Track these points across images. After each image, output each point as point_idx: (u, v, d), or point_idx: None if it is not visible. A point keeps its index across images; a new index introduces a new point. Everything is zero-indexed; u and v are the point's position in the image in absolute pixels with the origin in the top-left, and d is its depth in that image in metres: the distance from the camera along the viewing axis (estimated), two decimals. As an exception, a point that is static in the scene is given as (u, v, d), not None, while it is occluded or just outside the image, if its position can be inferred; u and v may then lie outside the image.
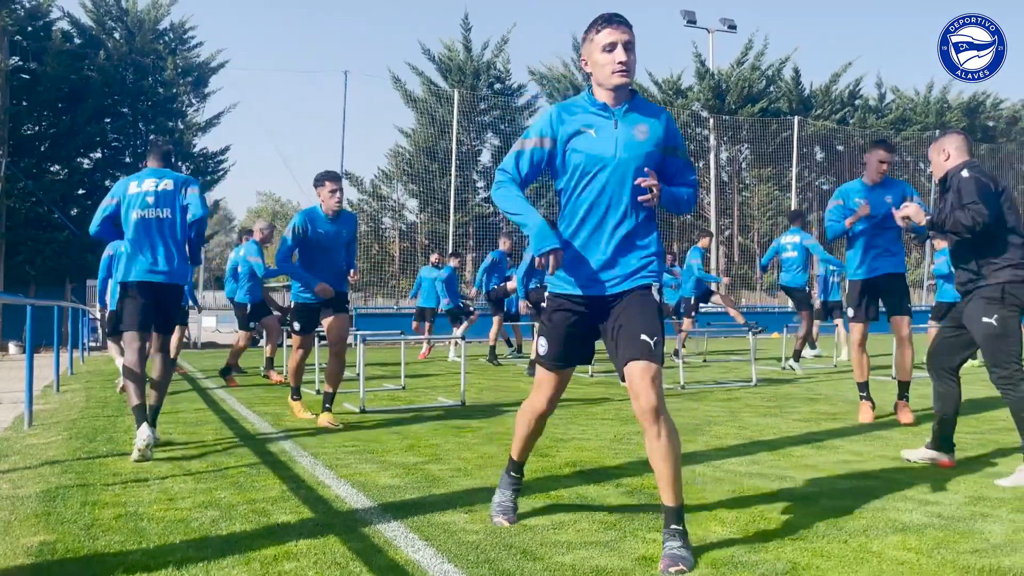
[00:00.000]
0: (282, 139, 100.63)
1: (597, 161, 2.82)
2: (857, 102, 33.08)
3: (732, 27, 27.90)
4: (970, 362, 5.26)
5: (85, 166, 22.26)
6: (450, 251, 16.42)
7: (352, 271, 6.21)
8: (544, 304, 3.23)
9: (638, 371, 2.69)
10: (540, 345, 3.01)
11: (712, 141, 28.73)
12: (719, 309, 14.70)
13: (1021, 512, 3.32)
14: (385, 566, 2.69)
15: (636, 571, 2.63)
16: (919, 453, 4.37)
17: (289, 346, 10.77)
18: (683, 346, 11.09)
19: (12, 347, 16.94)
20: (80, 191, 21.83)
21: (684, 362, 9.62)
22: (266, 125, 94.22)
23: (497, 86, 28.01)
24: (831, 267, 10.44)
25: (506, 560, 2.73)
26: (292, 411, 6.34)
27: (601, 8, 3.11)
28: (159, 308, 4.95)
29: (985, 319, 3.97)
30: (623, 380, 2.79)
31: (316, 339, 7.80)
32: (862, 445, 4.96)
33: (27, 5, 20.65)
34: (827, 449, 4.81)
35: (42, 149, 21.34)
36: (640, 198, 2.79)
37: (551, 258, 2.75)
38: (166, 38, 23.33)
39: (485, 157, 28.30)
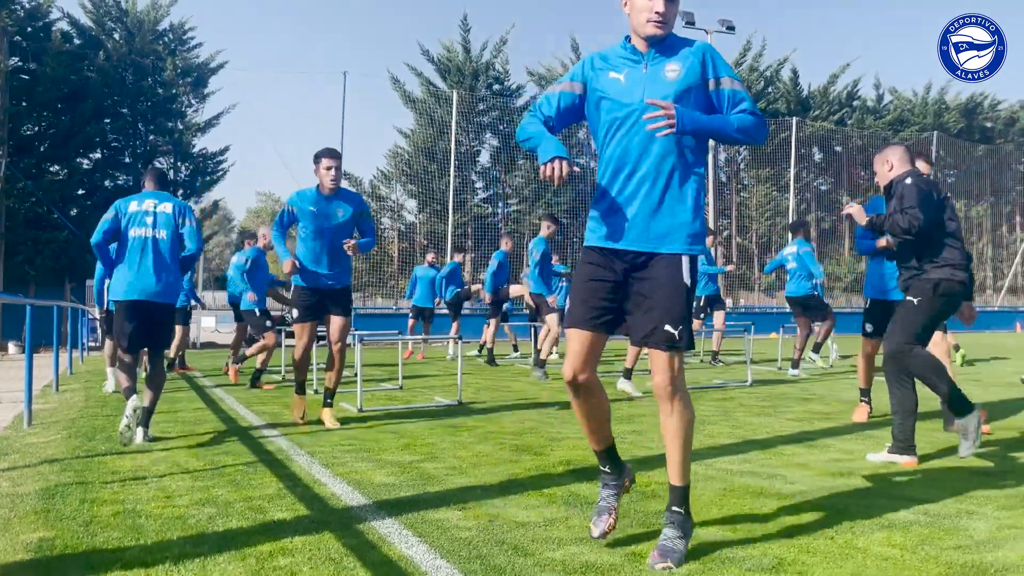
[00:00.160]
0: (281, 139, 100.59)
1: (623, 106, 2.70)
2: (855, 103, 33.20)
3: (730, 28, 27.92)
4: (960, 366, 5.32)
5: (84, 166, 22.32)
6: (451, 249, 16.47)
7: (349, 241, 5.59)
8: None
9: (655, 356, 2.71)
10: (569, 309, 2.90)
11: (710, 142, 28.76)
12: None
13: (1006, 509, 3.37)
14: (378, 562, 2.73)
15: (625, 566, 2.67)
16: (881, 456, 4.46)
17: (288, 346, 10.83)
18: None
19: (12, 347, 16.99)
20: (79, 191, 21.89)
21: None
22: (265, 125, 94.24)
23: (496, 87, 28.09)
24: (815, 279, 10.30)
25: (497, 556, 2.78)
26: (292, 408, 6.08)
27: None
28: (150, 326, 5.24)
29: (911, 297, 4.34)
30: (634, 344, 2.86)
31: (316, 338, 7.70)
32: (853, 444, 5.01)
33: (27, 6, 20.71)
34: (818, 448, 4.86)
35: (42, 149, 21.39)
36: (649, 127, 2.62)
37: (555, 166, 2.62)
38: (165, 39, 23.41)
39: (484, 158, 28.40)
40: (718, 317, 11.32)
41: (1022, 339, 21.71)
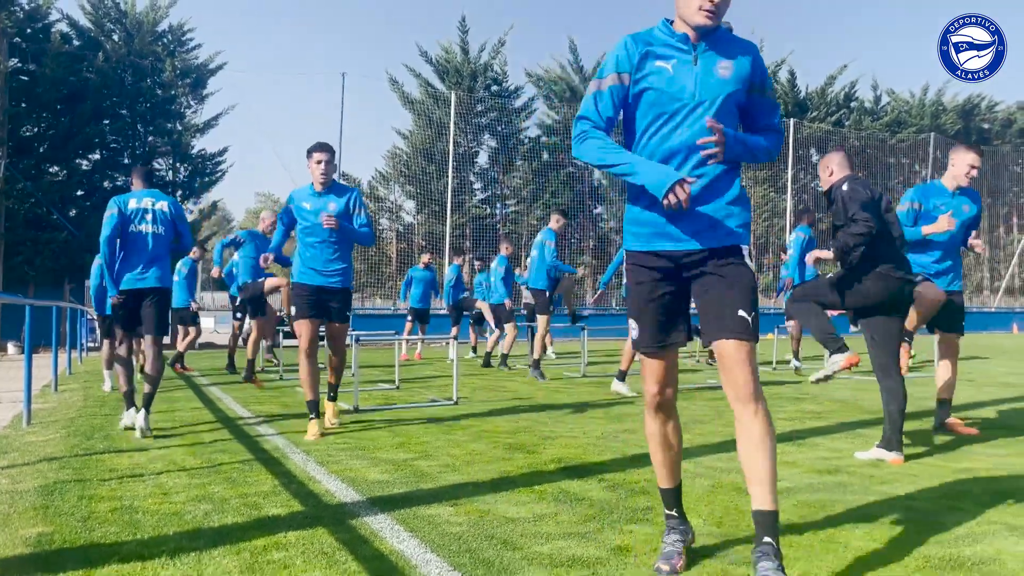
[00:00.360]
0: (280, 140, 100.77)
1: (673, 99, 2.50)
2: (853, 104, 33.25)
3: (728, 30, 27.98)
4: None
5: (84, 167, 22.38)
6: (449, 250, 16.50)
7: (328, 217, 5.41)
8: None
9: (732, 348, 2.45)
10: (631, 329, 2.69)
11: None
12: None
13: (987, 506, 3.43)
14: (370, 555, 2.80)
15: (611, 560, 2.74)
16: (869, 453, 4.53)
17: (286, 347, 10.90)
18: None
19: (11, 347, 17.04)
20: (79, 192, 21.95)
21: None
22: (264, 126, 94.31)
23: (494, 88, 28.15)
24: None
25: (487, 550, 2.85)
26: (308, 429, 5.40)
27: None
28: (149, 308, 5.66)
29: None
30: (706, 347, 2.73)
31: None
32: (842, 443, 5.07)
33: (26, 7, 20.77)
34: (807, 446, 4.93)
35: (41, 150, 21.45)
36: (703, 152, 2.47)
37: (679, 191, 2.38)
38: (164, 40, 23.47)
39: (482, 159, 28.47)
40: None
41: (1019, 340, 21.78)
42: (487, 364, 11.21)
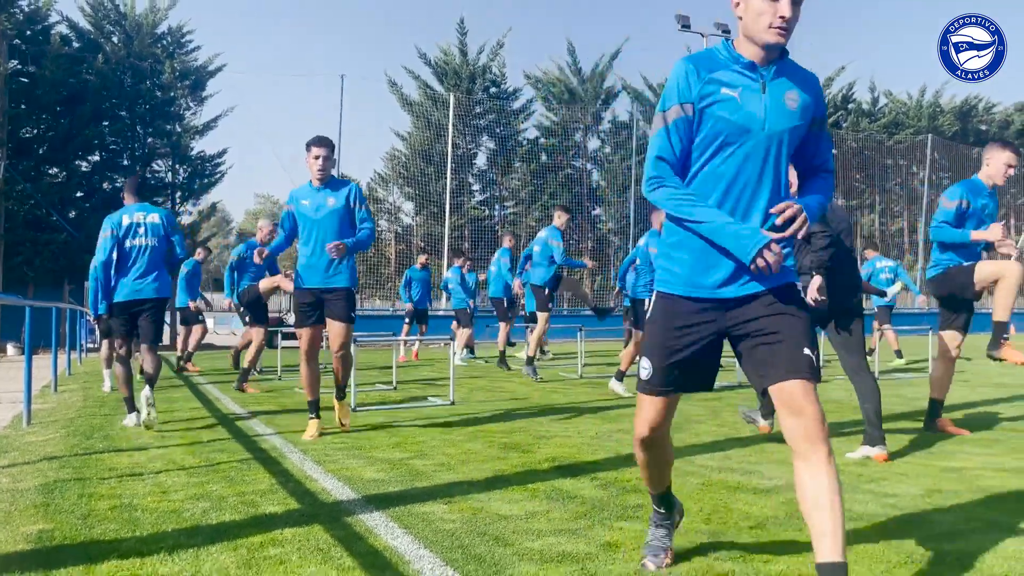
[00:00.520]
0: (279, 142, 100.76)
1: (742, 131, 2.33)
2: (850, 106, 33.33)
3: (726, 31, 28.02)
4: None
5: (83, 169, 22.41)
6: (447, 251, 16.54)
7: (337, 243, 5.31)
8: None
9: (800, 389, 2.28)
10: (643, 368, 2.51)
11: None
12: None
13: (973, 504, 3.50)
14: (365, 551, 2.86)
15: (600, 556, 2.80)
16: (858, 453, 4.59)
17: (285, 347, 10.95)
18: None
19: (11, 348, 17.09)
20: (78, 193, 21.98)
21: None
22: (263, 128, 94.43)
23: (493, 90, 28.22)
24: None
25: (479, 546, 2.90)
26: (307, 429, 5.49)
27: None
28: (146, 320, 5.96)
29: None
30: (763, 395, 2.47)
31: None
32: (834, 443, 5.09)
33: (26, 9, 20.82)
34: (799, 446, 4.98)
35: (40, 152, 21.49)
36: (787, 231, 2.29)
37: (768, 255, 2.24)
38: (164, 42, 23.50)
39: (480, 160, 28.53)
40: None
41: (1016, 340, 21.83)
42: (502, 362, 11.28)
